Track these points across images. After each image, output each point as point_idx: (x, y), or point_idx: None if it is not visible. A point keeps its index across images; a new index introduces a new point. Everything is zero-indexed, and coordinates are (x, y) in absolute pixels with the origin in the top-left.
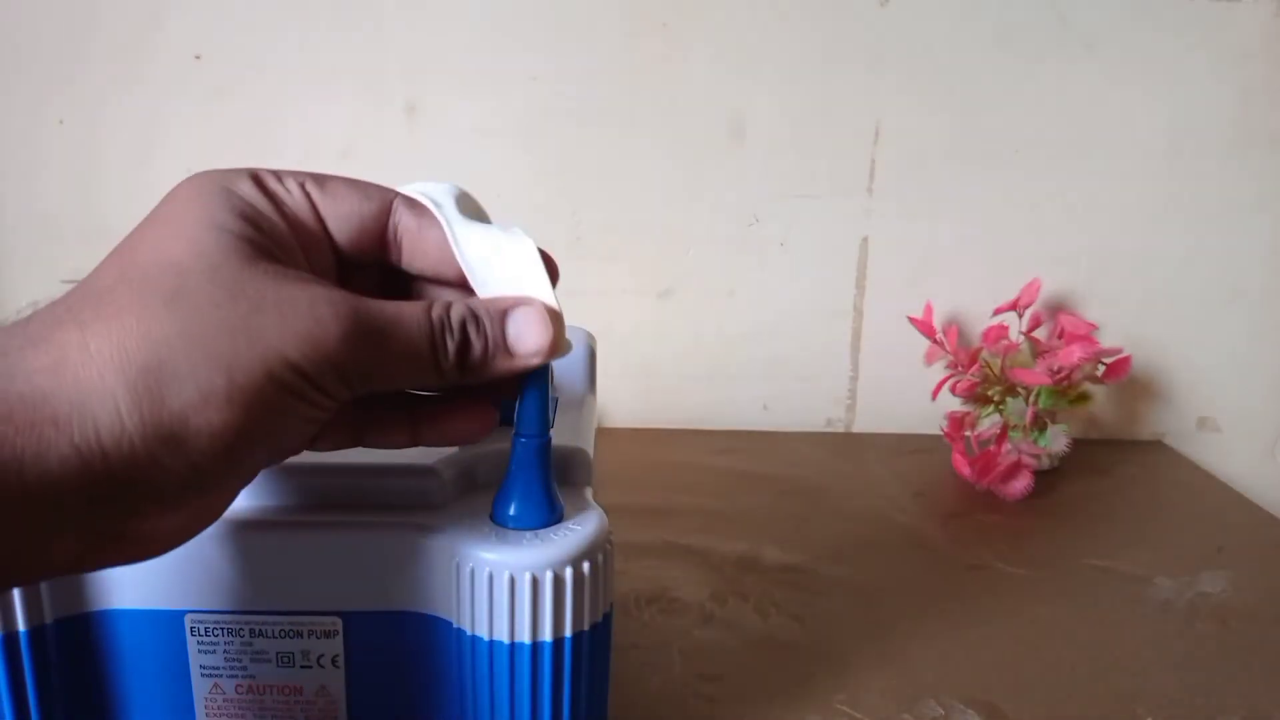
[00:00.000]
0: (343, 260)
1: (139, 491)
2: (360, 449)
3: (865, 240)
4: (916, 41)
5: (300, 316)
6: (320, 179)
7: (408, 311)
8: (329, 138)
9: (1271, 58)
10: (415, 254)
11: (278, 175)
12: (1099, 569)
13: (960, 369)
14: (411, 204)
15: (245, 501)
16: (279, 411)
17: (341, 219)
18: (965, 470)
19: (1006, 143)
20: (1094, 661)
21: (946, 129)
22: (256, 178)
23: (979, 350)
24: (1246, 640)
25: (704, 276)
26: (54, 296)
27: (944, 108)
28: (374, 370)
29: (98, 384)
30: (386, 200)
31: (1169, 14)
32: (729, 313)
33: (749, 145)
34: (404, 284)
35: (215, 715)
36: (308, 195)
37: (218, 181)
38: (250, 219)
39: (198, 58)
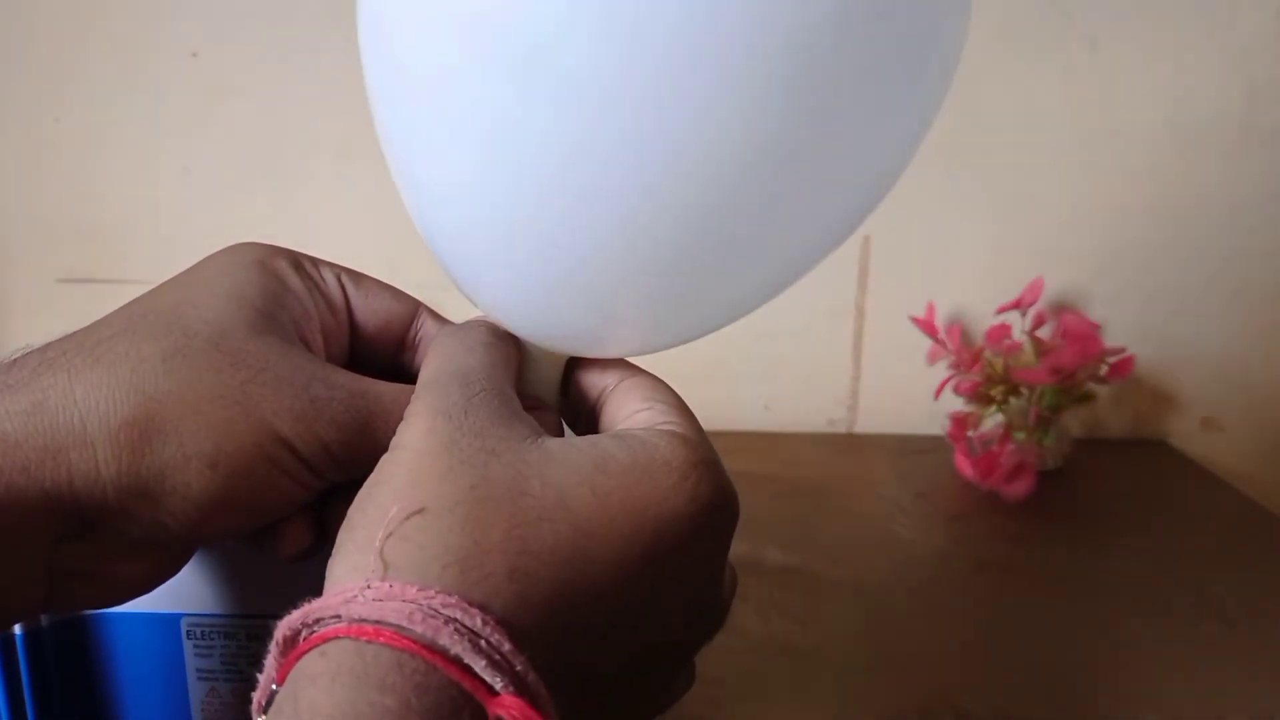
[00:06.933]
0: (356, 355)
1: (107, 536)
2: None
3: (867, 239)
4: None
5: (297, 393)
6: (355, 275)
7: (406, 399)
8: (327, 135)
9: (1276, 54)
10: None
11: (315, 262)
12: (1102, 570)
13: (963, 369)
14: (437, 316)
15: None
16: (262, 483)
17: (371, 313)
18: (968, 471)
19: (1008, 140)
20: (1097, 662)
21: (948, 127)
22: (296, 259)
23: (982, 350)
24: (1251, 641)
25: None
26: (52, 296)
27: (945, 105)
28: (366, 454)
29: (77, 431)
30: (415, 305)
31: (1173, 10)
32: None
33: None
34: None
35: (212, 719)
36: (342, 286)
37: (255, 255)
38: (275, 296)
39: (195, 55)
